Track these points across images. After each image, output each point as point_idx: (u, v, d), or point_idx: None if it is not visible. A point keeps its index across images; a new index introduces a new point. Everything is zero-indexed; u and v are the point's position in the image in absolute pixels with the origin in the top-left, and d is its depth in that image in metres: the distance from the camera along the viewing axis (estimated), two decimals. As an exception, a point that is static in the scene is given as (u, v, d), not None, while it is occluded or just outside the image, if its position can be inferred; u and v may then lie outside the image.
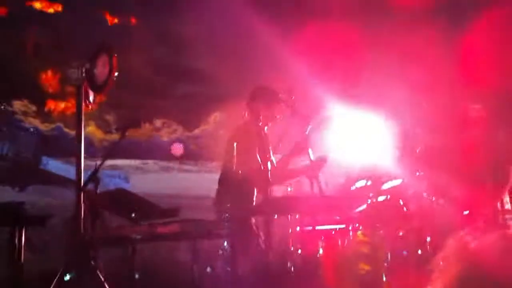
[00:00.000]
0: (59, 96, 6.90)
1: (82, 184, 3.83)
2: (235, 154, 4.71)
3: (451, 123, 6.09)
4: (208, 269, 3.87)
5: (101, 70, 4.16)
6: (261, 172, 3.57)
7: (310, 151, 4.49)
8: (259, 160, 3.56)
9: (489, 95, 5.99)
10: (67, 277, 3.72)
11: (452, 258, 1.34)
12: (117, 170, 6.50)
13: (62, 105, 6.98)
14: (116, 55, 4.07)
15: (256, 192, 4.34)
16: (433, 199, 4.95)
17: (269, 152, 4.45)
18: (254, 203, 3.61)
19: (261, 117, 4.31)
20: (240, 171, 4.15)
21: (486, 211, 5.06)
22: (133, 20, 7.32)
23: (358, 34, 7.12)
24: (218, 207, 3.72)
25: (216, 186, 4.91)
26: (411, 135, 5.30)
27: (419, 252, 4.79)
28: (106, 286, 3.61)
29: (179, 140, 7.26)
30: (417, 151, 5.16)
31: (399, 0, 6.60)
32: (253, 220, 4.36)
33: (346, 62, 7.33)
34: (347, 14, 7.20)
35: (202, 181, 6.57)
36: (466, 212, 5.13)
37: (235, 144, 4.71)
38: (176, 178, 7.04)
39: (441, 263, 1.33)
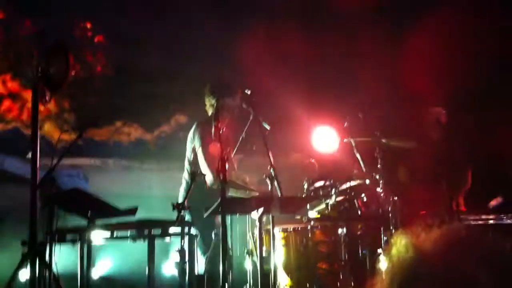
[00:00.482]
0: (15, 95, 6.77)
1: (37, 183, 3.77)
2: (191, 153, 4.73)
3: (410, 125, 6.23)
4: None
5: (57, 68, 4.10)
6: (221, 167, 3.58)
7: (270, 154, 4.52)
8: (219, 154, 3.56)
9: (448, 98, 6.12)
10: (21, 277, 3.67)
11: (397, 252, 1.38)
12: (76, 169, 6.41)
13: (18, 104, 6.85)
14: (71, 53, 4.03)
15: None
16: (391, 199, 5.03)
17: (228, 148, 4.44)
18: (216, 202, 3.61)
19: (219, 111, 4.34)
20: (199, 170, 4.15)
21: (441, 211, 5.17)
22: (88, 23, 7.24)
23: (307, 36, 7.18)
24: (179, 205, 3.71)
25: (178, 186, 4.93)
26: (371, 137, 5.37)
27: (378, 251, 4.88)
28: (61, 285, 3.56)
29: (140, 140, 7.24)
30: (376, 152, 5.23)
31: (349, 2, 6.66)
32: (218, 219, 4.35)
33: (298, 64, 7.40)
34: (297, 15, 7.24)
35: (163, 181, 6.55)
36: (422, 212, 5.25)
37: (191, 143, 4.75)
38: (137, 177, 6.99)
39: (385, 259, 1.37)
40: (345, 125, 5.35)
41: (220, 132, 3.78)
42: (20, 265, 3.63)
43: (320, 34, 7.07)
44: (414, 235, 1.55)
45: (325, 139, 6.17)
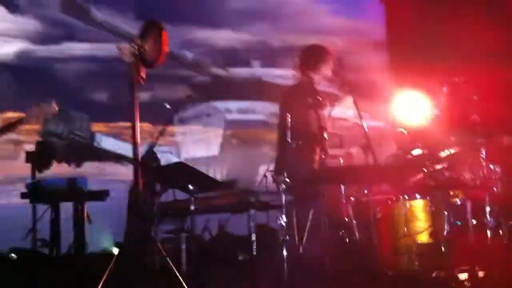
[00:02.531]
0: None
1: (139, 159, 3.87)
2: (289, 122, 4.64)
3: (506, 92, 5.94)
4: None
5: (151, 46, 4.18)
6: (319, 131, 3.53)
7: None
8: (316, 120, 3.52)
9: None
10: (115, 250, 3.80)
11: None
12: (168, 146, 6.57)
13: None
14: (165, 31, 4.08)
15: (315, 155, 4.27)
16: (492, 167, 4.80)
17: (324, 111, 4.35)
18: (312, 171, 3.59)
19: (312, 76, 4.25)
20: (296, 140, 4.04)
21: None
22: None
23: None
24: (276, 177, 3.71)
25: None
26: (466, 102, 5.13)
27: (474, 222, 4.69)
28: (167, 258, 3.66)
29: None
30: (474, 117, 4.99)
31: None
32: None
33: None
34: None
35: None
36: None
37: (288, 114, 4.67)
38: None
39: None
40: (444, 89, 5.12)
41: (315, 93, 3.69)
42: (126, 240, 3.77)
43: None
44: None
45: (414, 105, 5.95)
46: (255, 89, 12.13)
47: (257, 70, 13.04)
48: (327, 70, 4.63)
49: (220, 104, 13.05)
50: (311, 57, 4.68)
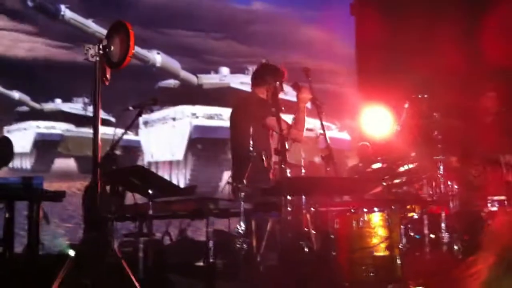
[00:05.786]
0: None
1: (98, 160, 3.83)
2: (251, 131, 4.69)
3: (467, 109, 6.10)
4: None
5: (118, 47, 4.14)
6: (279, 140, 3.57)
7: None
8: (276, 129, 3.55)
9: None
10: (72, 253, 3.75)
11: (497, 235, 1.31)
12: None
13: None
14: (133, 32, 4.05)
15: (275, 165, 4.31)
16: (449, 183, 4.91)
17: (280, 118, 4.39)
18: (269, 179, 3.62)
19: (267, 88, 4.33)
20: (253, 147, 4.08)
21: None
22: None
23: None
24: (234, 185, 3.71)
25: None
26: (428, 118, 5.25)
27: (432, 236, 4.78)
28: (123, 262, 3.62)
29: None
30: (434, 134, 5.11)
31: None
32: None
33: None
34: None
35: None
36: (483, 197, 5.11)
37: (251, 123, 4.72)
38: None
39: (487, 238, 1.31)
40: (406, 105, 5.22)
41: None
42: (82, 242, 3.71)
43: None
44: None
45: (379, 120, 6.06)
46: (223, 95, 12.14)
47: (226, 77, 13.07)
48: (274, 83, 4.71)
49: (187, 109, 13.01)
50: (263, 73, 4.81)
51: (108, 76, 4.24)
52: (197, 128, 12.37)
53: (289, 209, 4.01)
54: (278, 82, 4.64)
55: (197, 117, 12.48)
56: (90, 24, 11.04)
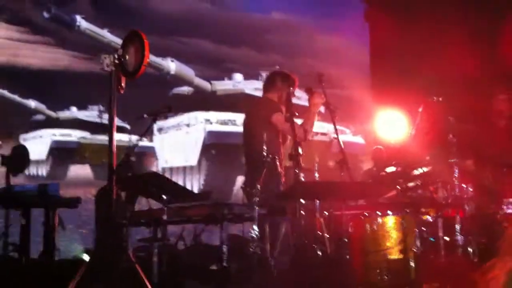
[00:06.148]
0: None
1: (114, 166, 3.87)
2: (265, 136, 4.71)
3: (481, 112, 6.07)
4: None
5: (132, 56, 4.19)
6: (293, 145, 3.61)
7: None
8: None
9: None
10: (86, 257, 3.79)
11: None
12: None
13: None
14: (147, 42, 4.10)
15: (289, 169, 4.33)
16: (464, 186, 4.89)
17: (294, 123, 4.42)
18: (282, 184, 3.64)
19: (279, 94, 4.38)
20: (268, 152, 4.10)
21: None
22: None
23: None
24: (248, 190, 3.74)
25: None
26: (443, 122, 5.23)
27: (447, 239, 4.76)
28: (137, 266, 3.66)
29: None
30: (449, 138, 5.09)
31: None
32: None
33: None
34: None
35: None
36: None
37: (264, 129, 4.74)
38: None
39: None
40: (420, 109, 5.21)
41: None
42: (97, 247, 3.75)
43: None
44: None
45: (392, 124, 6.05)
46: (237, 101, 12.18)
47: (240, 83, 13.12)
48: (286, 88, 4.75)
49: (201, 115, 13.07)
50: (275, 79, 4.93)
51: (123, 84, 4.30)
52: (210, 134, 12.42)
53: (302, 213, 4.02)
54: (290, 88, 4.67)
55: (211, 123, 12.54)
56: (106, 34, 11.18)
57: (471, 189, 4.91)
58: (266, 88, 5.05)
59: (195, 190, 10.39)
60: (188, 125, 12.92)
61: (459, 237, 4.72)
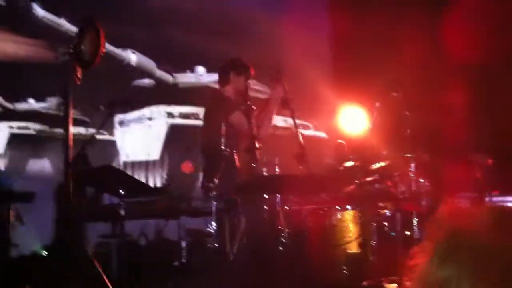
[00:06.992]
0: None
1: (69, 160, 3.79)
2: (223, 129, 4.65)
3: (437, 107, 6.18)
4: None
5: (88, 46, 4.10)
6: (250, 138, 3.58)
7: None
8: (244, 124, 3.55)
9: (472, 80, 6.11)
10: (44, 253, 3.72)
11: (439, 223, 1.33)
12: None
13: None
14: (103, 30, 4.02)
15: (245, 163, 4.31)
16: (421, 181, 4.97)
17: (250, 116, 4.37)
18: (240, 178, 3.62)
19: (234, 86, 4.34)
20: (225, 146, 4.06)
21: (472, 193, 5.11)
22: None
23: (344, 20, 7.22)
24: (206, 184, 3.71)
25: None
26: (400, 117, 5.30)
27: (407, 233, 4.83)
28: (95, 262, 3.60)
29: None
30: (407, 132, 5.16)
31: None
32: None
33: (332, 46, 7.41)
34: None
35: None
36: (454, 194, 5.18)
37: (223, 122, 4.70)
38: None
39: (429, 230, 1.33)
40: (377, 104, 5.27)
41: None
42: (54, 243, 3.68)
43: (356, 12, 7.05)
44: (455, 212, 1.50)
45: (353, 119, 6.11)
46: (200, 94, 12.10)
47: (202, 76, 13.04)
48: (241, 81, 4.67)
49: (163, 108, 12.95)
50: (227, 70, 4.77)
51: (79, 75, 4.21)
52: (173, 128, 12.32)
53: (265, 207, 4.03)
54: (245, 79, 4.60)
55: (173, 116, 12.43)
56: (63, 23, 10.94)
57: (427, 184, 4.99)
58: (220, 79, 4.89)
59: (158, 185, 10.33)
60: (150, 119, 12.78)
61: (416, 231, 4.80)
